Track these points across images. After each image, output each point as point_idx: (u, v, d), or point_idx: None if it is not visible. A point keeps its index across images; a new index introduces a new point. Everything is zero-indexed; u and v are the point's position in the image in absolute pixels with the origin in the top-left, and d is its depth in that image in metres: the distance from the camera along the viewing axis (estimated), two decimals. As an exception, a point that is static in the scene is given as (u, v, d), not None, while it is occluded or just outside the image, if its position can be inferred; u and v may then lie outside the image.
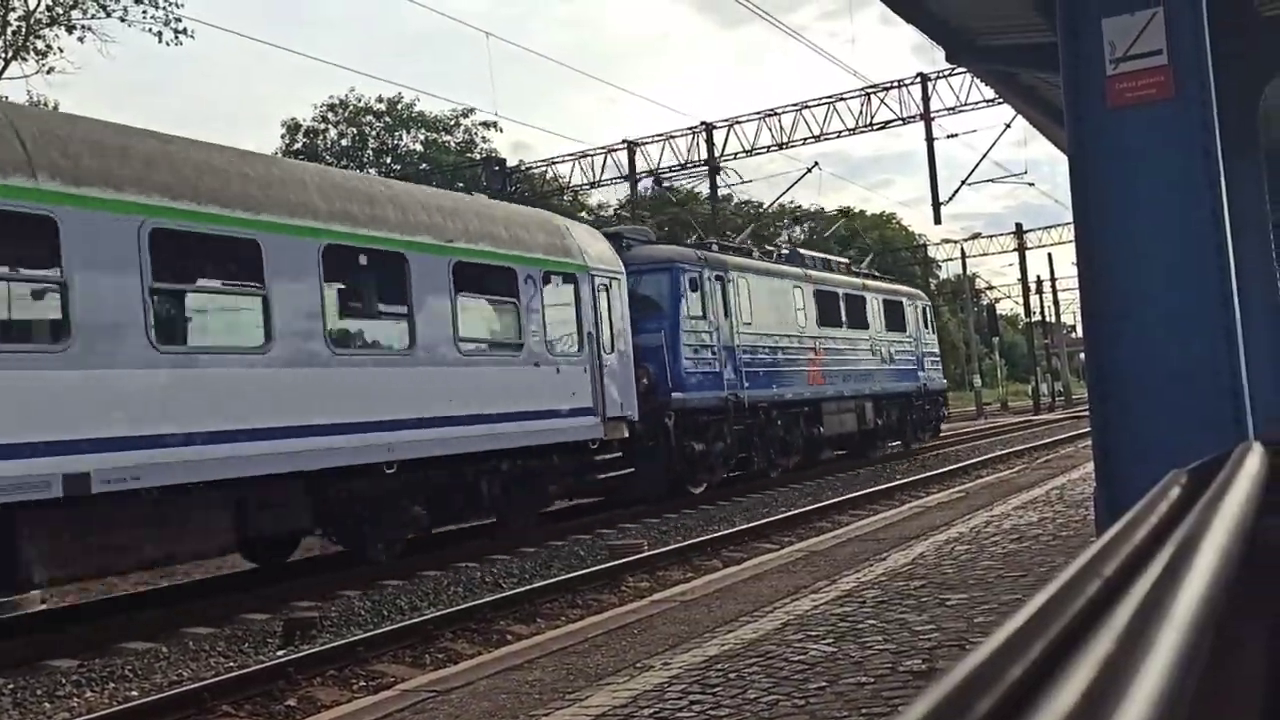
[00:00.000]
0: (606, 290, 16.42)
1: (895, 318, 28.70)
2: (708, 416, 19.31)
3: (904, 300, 29.90)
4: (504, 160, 44.00)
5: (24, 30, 29.95)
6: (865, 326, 26.57)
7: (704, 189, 41.51)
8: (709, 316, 19.74)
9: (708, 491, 19.31)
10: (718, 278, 20.26)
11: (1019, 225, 62.74)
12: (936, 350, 32.09)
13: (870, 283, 28.39)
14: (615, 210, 58.58)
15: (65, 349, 9.09)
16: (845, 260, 30.01)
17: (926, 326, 31.21)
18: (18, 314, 10.44)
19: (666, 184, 41.06)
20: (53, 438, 8.82)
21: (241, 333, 12.23)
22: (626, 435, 16.41)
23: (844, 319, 25.44)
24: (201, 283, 12.87)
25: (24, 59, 30.12)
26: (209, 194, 10.59)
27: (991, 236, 67.14)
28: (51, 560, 9.21)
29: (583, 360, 15.60)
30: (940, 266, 72.95)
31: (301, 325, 11.49)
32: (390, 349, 13.33)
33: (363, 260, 12.70)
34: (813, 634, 6.33)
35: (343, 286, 13.53)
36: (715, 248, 22.24)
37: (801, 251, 27.45)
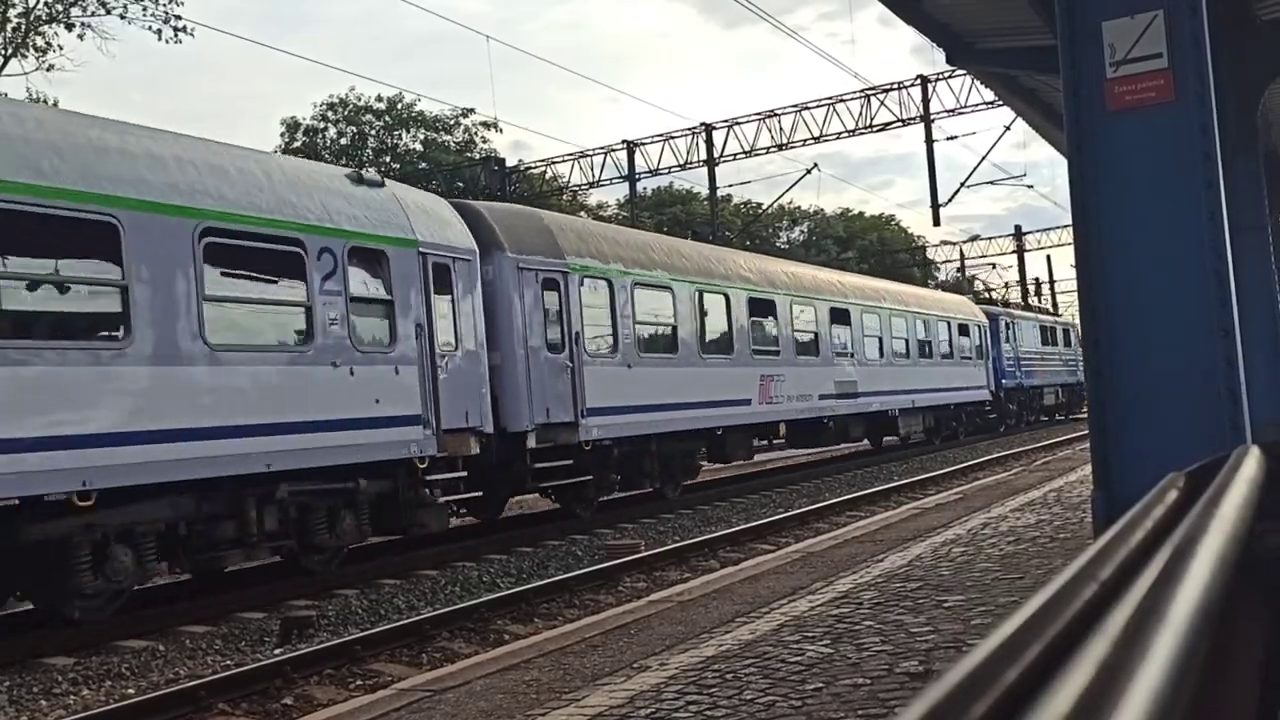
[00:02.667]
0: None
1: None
2: None
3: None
4: (503, 160, 44.00)
5: (24, 27, 29.93)
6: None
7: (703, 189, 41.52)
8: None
9: (705, 492, 19.32)
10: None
11: (1018, 227, 62.85)
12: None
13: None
14: (615, 210, 58.59)
15: None
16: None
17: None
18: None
19: (666, 185, 41.24)
20: None
21: None
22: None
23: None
24: None
25: (24, 56, 30.11)
26: None
27: (991, 239, 67.15)
28: None
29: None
30: (939, 268, 72.97)
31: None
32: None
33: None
34: (810, 635, 6.33)
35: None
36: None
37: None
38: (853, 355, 25.05)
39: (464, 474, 13.39)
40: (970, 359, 33.48)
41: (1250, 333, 7.71)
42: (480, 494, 14.20)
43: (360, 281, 12.12)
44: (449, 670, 6.81)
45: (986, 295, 50.37)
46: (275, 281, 11.41)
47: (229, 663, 8.78)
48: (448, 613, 9.82)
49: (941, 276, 72.63)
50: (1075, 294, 6.78)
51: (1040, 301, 66.63)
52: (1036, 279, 69.32)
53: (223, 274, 10.66)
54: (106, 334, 9.76)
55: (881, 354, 26.74)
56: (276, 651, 8.93)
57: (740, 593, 8.07)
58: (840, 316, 24.74)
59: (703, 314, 19.10)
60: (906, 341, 28.51)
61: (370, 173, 13.62)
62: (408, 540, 13.95)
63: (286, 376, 11.12)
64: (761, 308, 21.34)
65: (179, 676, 8.43)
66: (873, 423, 26.26)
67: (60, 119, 10.46)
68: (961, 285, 62.21)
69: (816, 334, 23.43)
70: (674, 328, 18.25)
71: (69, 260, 9.62)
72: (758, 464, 25.29)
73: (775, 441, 25.80)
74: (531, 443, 14.57)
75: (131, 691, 8.05)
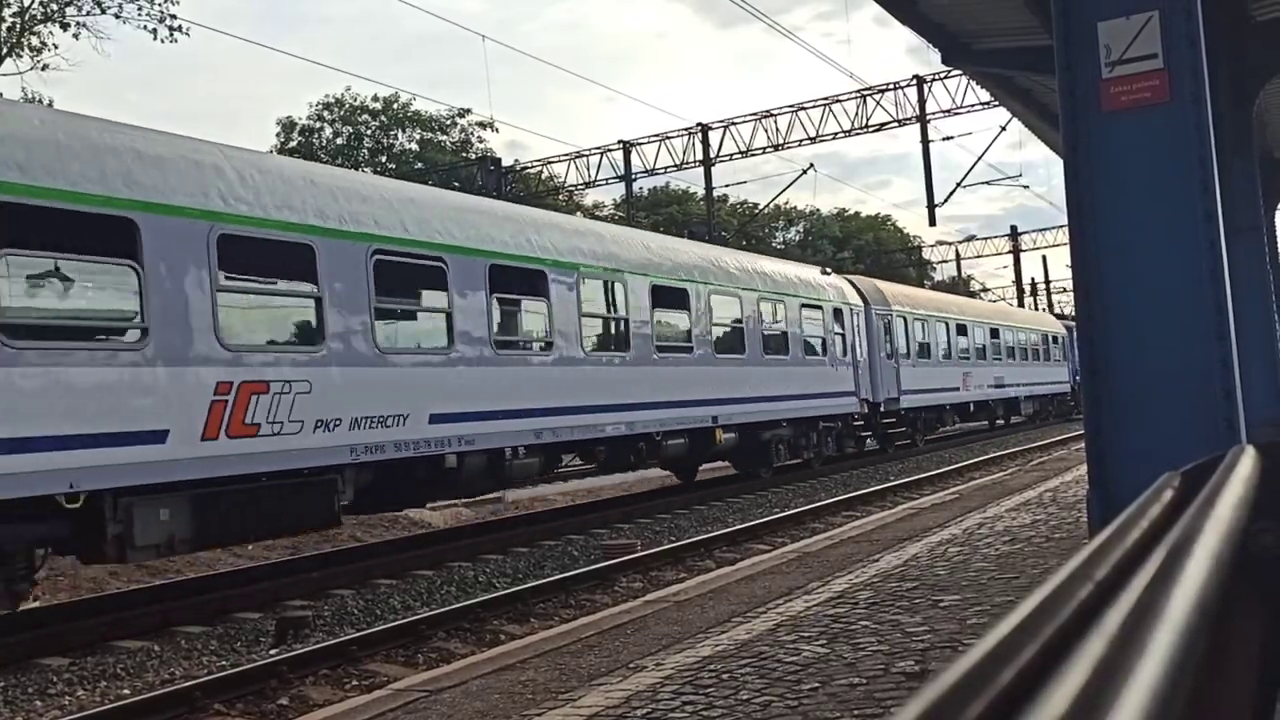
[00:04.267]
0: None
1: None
2: None
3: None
4: (499, 160, 43.98)
5: (19, 26, 29.89)
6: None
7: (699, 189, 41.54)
8: None
9: (702, 491, 19.24)
10: None
11: (1014, 228, 62.95)
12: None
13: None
14: (611, 211, 58.60)
15: None
16: None
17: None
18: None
19: (662, 185, 41.40)
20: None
21: None
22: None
23: None
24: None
25: (19, 55, 30.06)
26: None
27: (986, 239, 67.24)
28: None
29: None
30: (935, 268, 73.04)
31: None
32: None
33: None
34: (806, 635, 6.33)
35: None
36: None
37: None
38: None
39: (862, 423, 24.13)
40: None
41: (1245, 333, 7.72)
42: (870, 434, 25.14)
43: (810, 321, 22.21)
44: (445, 670, 6.80)
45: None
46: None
47: (224, 663, 8.77)
48: (444, 613, 9.82)
49: (938, 276, 72.73)
50: (1071, 294, 6.79)
51: (1037, 302, 66.72)
52: (1033, 279, 69.43)
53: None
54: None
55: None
56: (272, 652, 8.93)
57: (736, 593, 8.07)
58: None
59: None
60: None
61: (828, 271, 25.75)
62: (406, 540, 13.98)
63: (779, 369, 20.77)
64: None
65: (174, 677, 8.42)
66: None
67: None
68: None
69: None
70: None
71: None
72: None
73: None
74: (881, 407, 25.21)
75: (127, 692, 8.04)
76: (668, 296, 17.43)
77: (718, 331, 19.02)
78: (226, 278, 10.26)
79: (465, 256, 13.04)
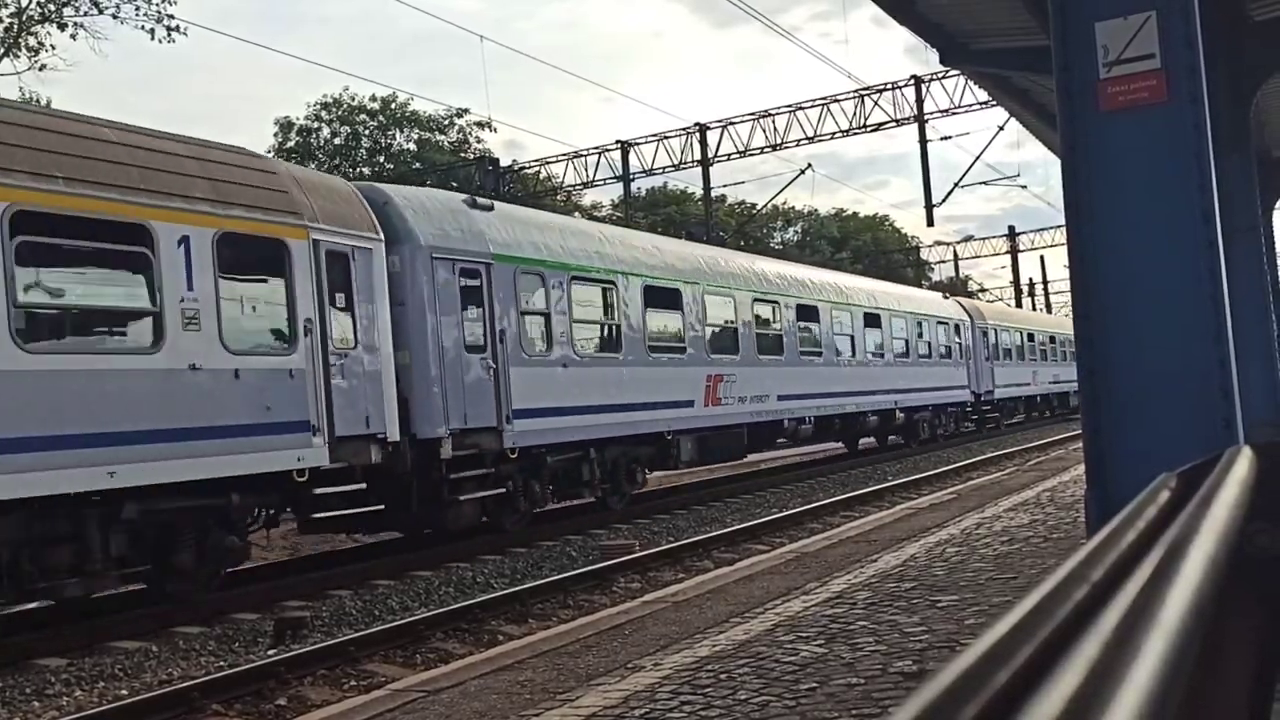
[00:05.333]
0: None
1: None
2: None
3: None
4: (497, 160, 43.96)
5: (16, 27, 29.86)
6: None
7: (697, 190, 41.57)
8: None
9: (701, 492, 19.29)
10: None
11: (1012, 228, 62.99)
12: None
13: None
14: (609, 211, 58.59)
15: None
16: None
17: None
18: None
19: (660, 185, 41.67)
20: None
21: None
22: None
23: None
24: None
25: (16, 55, 30.03)
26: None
27: (985, 239, 67.26)
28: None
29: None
30: (933, 268, 73.07)
31: None
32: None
33: None
34: (804, 635, 6.33)
35: None
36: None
37: None
38: None
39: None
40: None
41: (1243, 333, 7.72)
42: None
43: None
44: (443, 671, 6.80)
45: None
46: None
47: (223, 663, 8.77)
48: (442, 613, 9.82)
49: (936, 276, 72.73)
50: (1069, 294, 6.79)
51: (1034, 302, 66.76)
52: (1031, 279, 69.48)
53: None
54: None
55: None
56: (270, 652, 8.92)
57: (734, 593, 8.07)
58: None
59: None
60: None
61: None
62: (404, 540, 13.99)
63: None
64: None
65: (172, 677, 8.42)
66: None
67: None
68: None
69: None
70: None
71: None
72: (752, 464, 25.29)
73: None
74: None
75: (125, 693, 8.04)
76: (876, 321, 26.86)
77: (897, 344, 27.82)
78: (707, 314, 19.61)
79: (794, 299, 23.01)
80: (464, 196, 15.71)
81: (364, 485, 11.96)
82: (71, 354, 9.43)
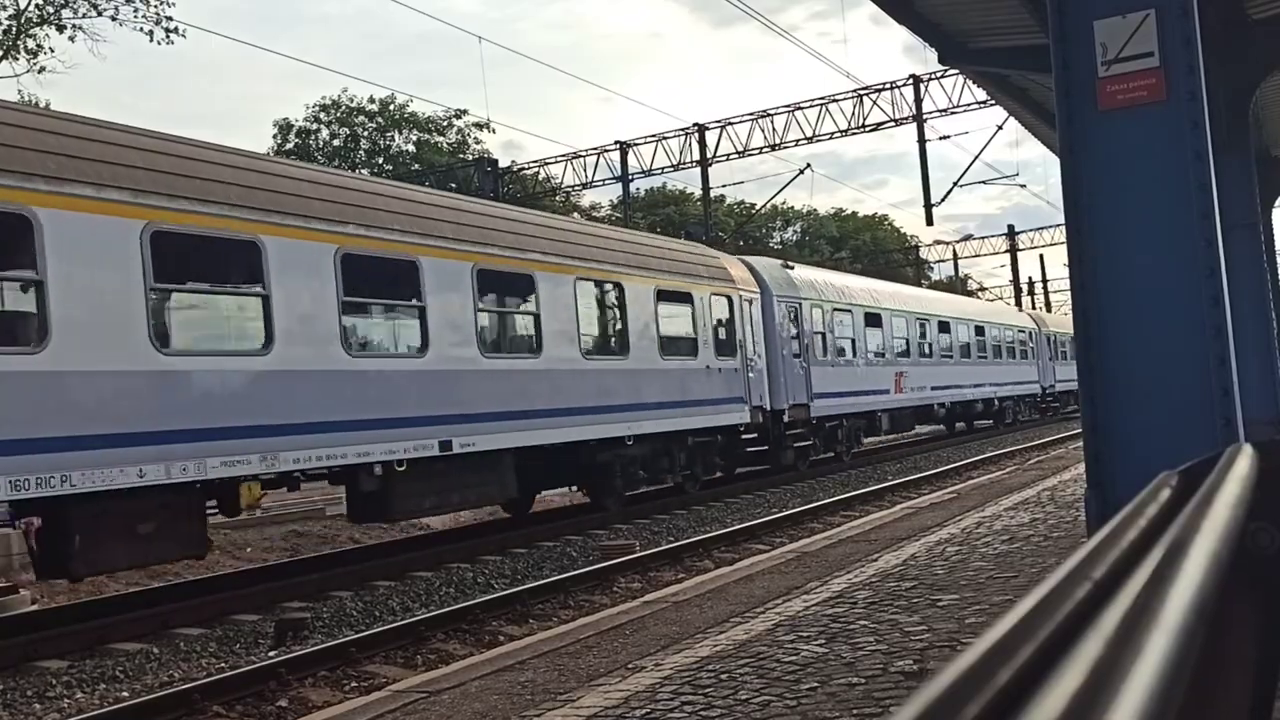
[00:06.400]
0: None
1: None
2: None
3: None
4: (496, 161, 43.96)
5: (15, 29, 29.86)
6: None
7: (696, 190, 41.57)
8: None
9: (700, 491, 19.33)
10: None
11: (1011, 227, 62.97)
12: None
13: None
14: (608, 211, 58.59)
15: None
16: None
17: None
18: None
19: (659, 185, 42.06)
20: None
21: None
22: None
23: None
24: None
25: (15, 58, 30.03)
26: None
27: (984, 238, 67.25)
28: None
29: None
30: (932, 268, 73.07)
31: None
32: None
33: None
34: (804, 635, 6.33)
35: None
36: None
37: None
38: None
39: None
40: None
41: (1242, 330, 7.73)
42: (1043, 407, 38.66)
43: None
44: (444, 672, 6.80)
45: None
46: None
47: (223, 665, 8.77)
48: (443, 614, 9.82)
49: (935, 276, 72.73)
50: (1069, 293, 6.79)
51: (1034, 301, 66.81)
52: (1030, 279, 69.48)
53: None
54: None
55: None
56: (271, 654, 8.92)
57: (735, 593, 8.07)
58: None
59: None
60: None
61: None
62: (405, 542, 14.00)
63: None
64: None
65: (173, 679, 8.42)
66: None
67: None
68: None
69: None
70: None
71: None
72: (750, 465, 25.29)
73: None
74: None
75: (126, 694, 8.04)
76: (982, 331, 35.51)
77: (995, 348, 36.56)
78: (893, 330, 28.53)
79: (936, 318, 31.95)
80: (781, 261, 25.70)
81: (755, 435, 20.35)
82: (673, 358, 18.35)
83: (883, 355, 27.38)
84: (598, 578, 11.47)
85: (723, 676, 5.52)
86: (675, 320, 18.52)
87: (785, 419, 21.42)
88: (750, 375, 20.19)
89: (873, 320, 26.96)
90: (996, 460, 23.64)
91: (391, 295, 13.37)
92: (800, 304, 22.77)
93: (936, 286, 58.97)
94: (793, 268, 24.55)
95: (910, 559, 8.89)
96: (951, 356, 32.34)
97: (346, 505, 13.21)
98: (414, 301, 12.78)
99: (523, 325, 15.47)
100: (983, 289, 76.12)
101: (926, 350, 30.36)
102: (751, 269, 21.99)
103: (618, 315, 17.07)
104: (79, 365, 9.08)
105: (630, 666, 5.98)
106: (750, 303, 20.65)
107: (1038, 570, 7.73)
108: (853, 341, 25.89)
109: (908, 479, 20.34)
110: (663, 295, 17.88)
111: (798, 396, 21.94)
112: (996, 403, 36.25)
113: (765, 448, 20.87)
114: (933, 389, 30.09)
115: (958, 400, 32.38)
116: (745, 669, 5.63)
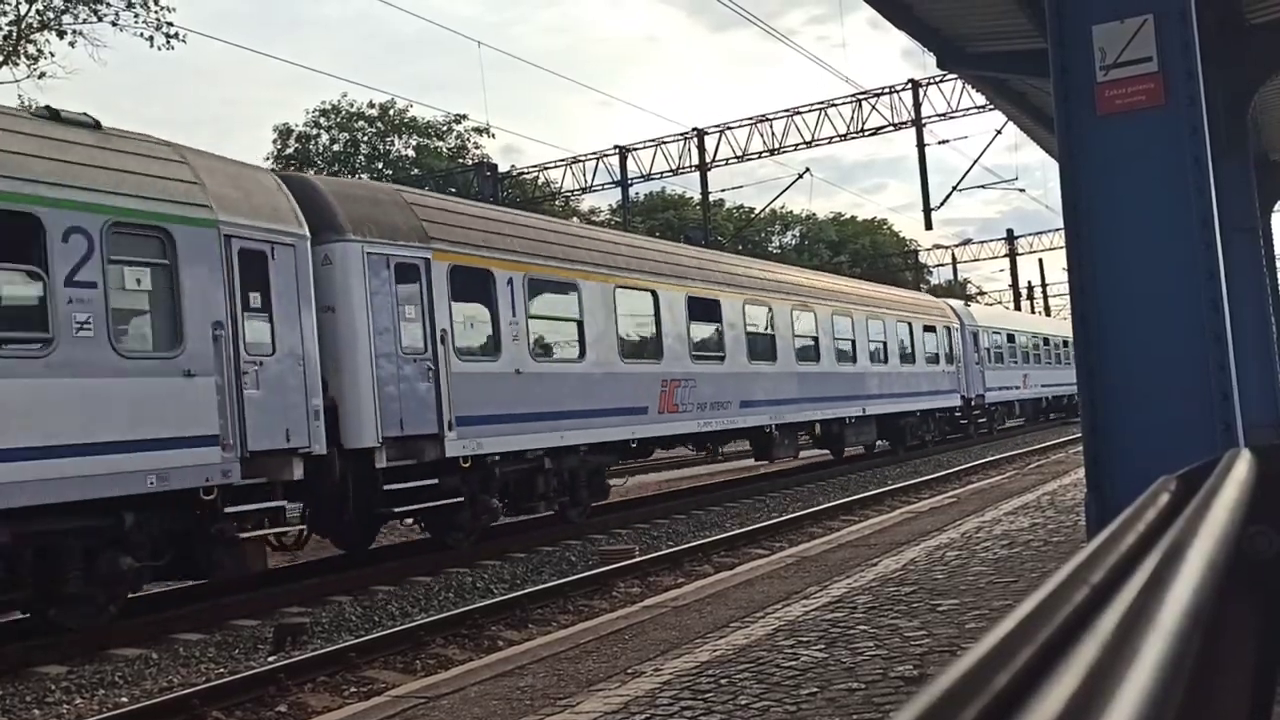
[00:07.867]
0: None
1: None
2: None
3: None
4: (495, 166, 44.00)
5: (16, 35, 29.88)
6: None
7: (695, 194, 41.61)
8: None
9: (700, 497, 19.32)
10: None
11: (1010, 231, 63.00)
12: None
13: None
14: (608, 216, 58.61)
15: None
16: None
17: None
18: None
19: (659, 190, 42.31)
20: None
21: None
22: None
23: None
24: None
25: (15, 63, 30.05)
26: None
27: (983, 242, 67.25)
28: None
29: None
30: (931, 272, 73.10)
31: None
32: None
33: None
34: (804, 639, 6.33)
35: None
36: None
37: None
38: None
39: None
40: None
41: (1242, 335, 7.73)
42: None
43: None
44: (443, 677, 6.79)
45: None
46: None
47: (222, 670, 8.76)
48: (442, 619, 9.81)
49: (934, 280, 72.76)
50: (1068, 298, 6.79)
51: (1034, 305, 66.85)
52: (1029, 283, 69.50)
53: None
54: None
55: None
56: (270, 659, 8.92)
57: (734, 597, 8.07)
58: None
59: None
60: None
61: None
62: (404, 546, 13.99)
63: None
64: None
65: (172, 685, 8.41)
66: None
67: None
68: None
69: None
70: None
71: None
72: (752, 467, 25.29)
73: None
74: None
75: (125, 700, 8.03)
76: (1042, 347, 43.11)
77: (1041, 354, 42.85)
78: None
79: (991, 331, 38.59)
80: (960, 301, 37.58)
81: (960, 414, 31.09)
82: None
83: (1015, 360, 38.91)
84: (597, 582, 11.46)
85: (722, 682, 5.51)
86: (929, 342, 30.43)
87: (972, 405, 33.10)
88: (959, 376, 32.18)
89: (1010, 338, 38.73)
90: (997, 464, 23.64)
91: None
92: (978, 330, 34.94)
93: (935, 291, 58.97)
94: (970, 307, 37.99)
95: (910, 564, 8.88)
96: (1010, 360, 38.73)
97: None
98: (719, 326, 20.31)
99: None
100: (981, 293, 76.16)
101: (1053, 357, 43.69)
102: (953, 309, 34.14)
103: (908, 340, 28.96)
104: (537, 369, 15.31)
105: (630, 672, 5.98)
106: (955, 330, 32.59)
107: (1038, 575, 7.73)
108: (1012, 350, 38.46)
109: (907, 483, 20.33)
110: (926, 329, 30.25)
111: (976, 389, 33.65)
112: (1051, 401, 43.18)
113: (965, 421, 32.97)
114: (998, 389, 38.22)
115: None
116: (745, 674, 5.63)
